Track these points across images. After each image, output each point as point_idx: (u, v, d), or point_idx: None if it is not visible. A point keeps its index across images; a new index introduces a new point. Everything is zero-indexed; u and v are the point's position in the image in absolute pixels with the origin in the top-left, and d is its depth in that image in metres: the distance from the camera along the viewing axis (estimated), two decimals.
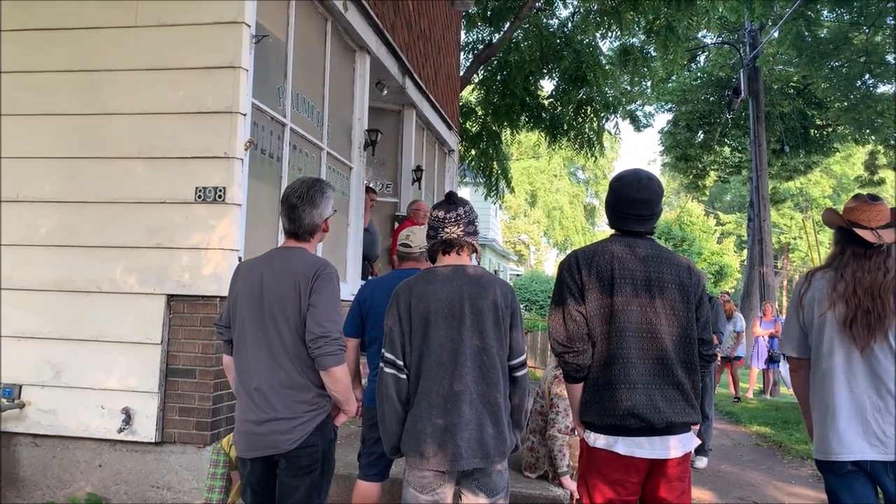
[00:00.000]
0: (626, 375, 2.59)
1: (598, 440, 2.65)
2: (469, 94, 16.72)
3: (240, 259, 4.44)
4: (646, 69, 15.60)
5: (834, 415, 2.70)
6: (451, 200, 2.89)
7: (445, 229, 2.81)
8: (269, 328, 2.80)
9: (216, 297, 4.39)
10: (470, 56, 14.47)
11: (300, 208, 2.90)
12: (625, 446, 2.59)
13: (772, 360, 13.65)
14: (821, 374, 2.78)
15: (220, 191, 4.40)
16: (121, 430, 4.37)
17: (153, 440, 4.38)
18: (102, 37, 4.67)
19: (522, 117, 15.01)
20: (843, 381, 2.71)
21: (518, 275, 33.53)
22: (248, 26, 4.54)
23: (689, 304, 2.68)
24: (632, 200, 2.73)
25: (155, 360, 4.41)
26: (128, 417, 4.38)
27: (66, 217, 4.62)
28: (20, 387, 4.56)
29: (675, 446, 2.61)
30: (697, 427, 2.76)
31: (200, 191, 4.43)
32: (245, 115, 4.52)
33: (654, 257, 2.70)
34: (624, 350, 2.61)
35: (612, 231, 2.83)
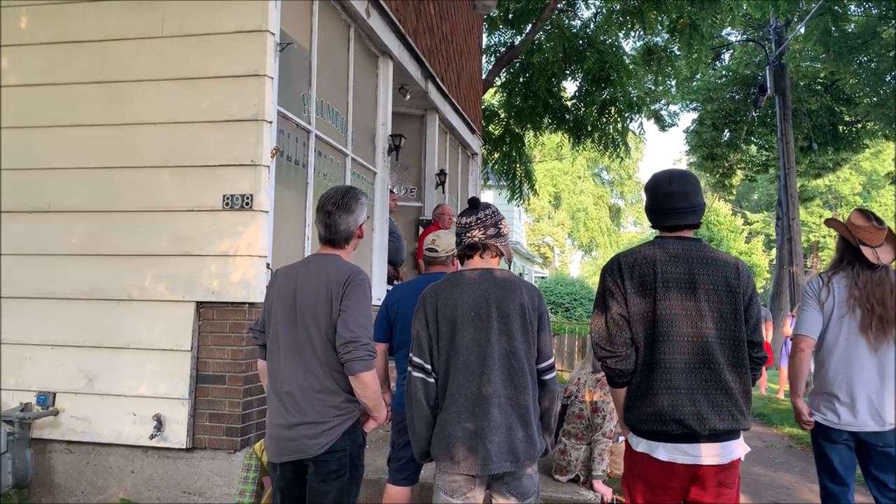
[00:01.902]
0: (668, 381, 2.54)
1: (640, 444, 2.62)
2: (491, 97, 16.70)
3: (268, 265, 4.48)
4: (670, 68, 15.45)
5: (853, 396, 3.35)
6: (473, 205, 2.89)
7: (468, 234, 2.82)
8: (300, 333, 2.82)
9: (245, 303, 4.42)
10: (492, 59, 14.47)
11: (336, 215, 2.92)
12: (666, 452, 2.55)
13: None
14: (836, 360, 3.40)
15: (248, 198, 4.44)
16: (152, 437, 4.42)
17: (184, 446, 4.42)
18: (128, 48, 4.74)
19: (545, 119, 14.96)
20: (859, 369, 3.36)
21: (543, 277, 33.36)
22: (273, 34, 4.57)
23: (736, 305, 2.61)
24: (666, 194, 2.69)
25: (185, 366, 4.46)
26: (159, 424, 4.43)
27: (96, 226, 4.69)
28: (54, 394, 4.63)
29: (720, 454, 2.55)
30: None
31: (228, 198, 4.47)
32: (271, 122, 4.55)
33: (698, 259, 2.63)
34: (667, 355, 2.55)
35: (656, 233, 2.80)
